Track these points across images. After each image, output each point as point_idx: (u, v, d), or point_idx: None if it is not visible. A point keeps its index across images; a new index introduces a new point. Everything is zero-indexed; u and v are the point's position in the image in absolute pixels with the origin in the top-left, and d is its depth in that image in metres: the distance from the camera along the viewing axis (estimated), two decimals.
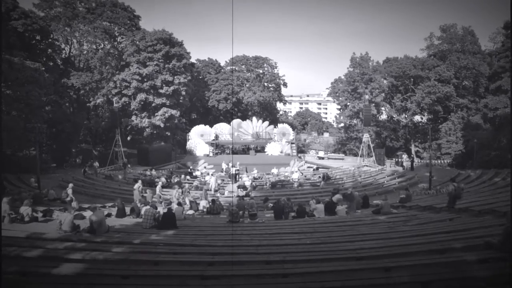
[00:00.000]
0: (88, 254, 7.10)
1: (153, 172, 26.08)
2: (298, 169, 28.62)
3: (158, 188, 17.26)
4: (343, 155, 43.33)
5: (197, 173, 27.33)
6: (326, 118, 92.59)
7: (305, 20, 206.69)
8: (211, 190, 20.77)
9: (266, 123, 41.00)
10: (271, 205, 13.32)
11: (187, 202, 14.79)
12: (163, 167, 31.32)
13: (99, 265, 6.37)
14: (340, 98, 47.22)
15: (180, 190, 17.01)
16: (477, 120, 34.41)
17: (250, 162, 30.39)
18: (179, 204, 13.45)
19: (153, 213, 10.27)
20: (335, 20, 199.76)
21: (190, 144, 38.24)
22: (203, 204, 15.13)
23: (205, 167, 30.66)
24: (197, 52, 64.11)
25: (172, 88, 37.77)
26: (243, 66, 57.44)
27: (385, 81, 43.08)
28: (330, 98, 63.66)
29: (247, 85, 55.77)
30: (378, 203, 13.19)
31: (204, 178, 24.59)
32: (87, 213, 10.78)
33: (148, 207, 10.92)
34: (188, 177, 25.98)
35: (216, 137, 38.76)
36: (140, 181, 17.46)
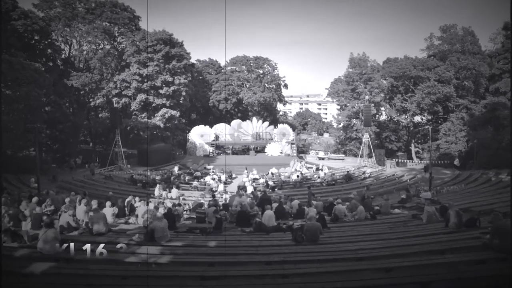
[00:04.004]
0: (88, 255, 7.09)
1: (148, 172, 26.09)
2: (298, 169, 28.61)
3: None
4: (343, 155, 43.33)
5: (198, 173, 27.31)
6: (326, 118, 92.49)
7: (304, 21, 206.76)
8: (216, 191, 20.76)
9: (266, 123, 41.02)
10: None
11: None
12: (163, 168, 31.31)
13: (99, 265, 6.37)
14: (340, 98, 47.22)
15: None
16: (477, 120, 34.36)
17: (250, 163, 30.38)
18: (179, 205, 13.46)
19: (155, 213, 10.27)
20: (335, 21, 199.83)
21: (190, 145, 38.29)
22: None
23: (205, 168, 30.66)
24: (197, 53, 64.17)
25: (172, 88, 37.75)
26: (244, 67, 57.42)
27: (384, 82, 43.06)
28: (330, 99, 63.64)
29: (247, 86, 55.77)
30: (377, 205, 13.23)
31: (204, 179, 24.57)
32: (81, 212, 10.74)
33: (149, 206, 10.93)
34: (188, 177, 25.96)
35: (216, 137, 38.78)
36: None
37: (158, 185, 19.83)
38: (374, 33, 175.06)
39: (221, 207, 12.79)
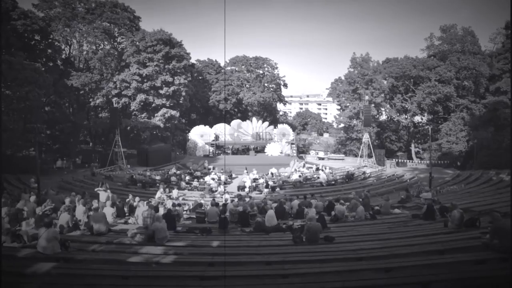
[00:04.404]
0: (88, 254, 7.10)
1: (147, 172, 26.13)
2: (297, 169, 28.62)
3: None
4: (343, 155, 43.35)
5: (198, 173, 27.31)
6: (326, 118, 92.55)
7: (305, 22, 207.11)
8: (216, 191, 20.78)
9: (266, 123, 41.02)
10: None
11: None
12: (163, 168, 31.31)
13: (99, 265, 6.37)
14: (341, 99, 47.23)
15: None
16: (478, 120, 34.40)
17: (250, 163, 30.37)
18: (179, 205, 13.45)
19: (151, 214, 10.23)
20: (335, 21, 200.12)
21: (190, 145, 38.29)
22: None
23: (205, 167, 30.66)
24: (198, 53, 64.30)
25: (172, 88, 37.74)
26: (243, 67, 57.44)
27: (385, 82, 43.06)
28: (330, 99, 63.68)
29: (247, 86, 55.79)
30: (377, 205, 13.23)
31: (204, 179, 24.57)
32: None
33: (146, 207, 10.92)
34: (188, 177, 25.96)
35: (216, 137, 38.78)
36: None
37: (161, 188, 19.49)
38: (374, 33, 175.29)
39: (221, 207, 12.78)
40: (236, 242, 8.53)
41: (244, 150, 39.50)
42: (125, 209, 13.03)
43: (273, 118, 55.79)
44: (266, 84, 55.88)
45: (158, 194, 17.45)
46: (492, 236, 6.41)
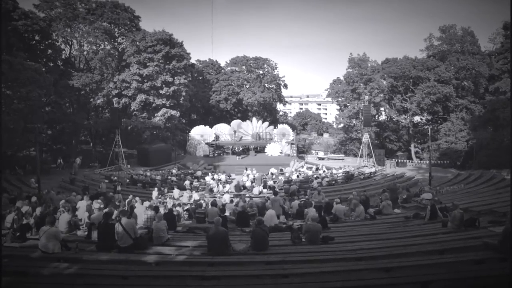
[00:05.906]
0: (89, 254, 7.11)
1: (148, 173, 26.23)
2: (297, 169, 28.62)
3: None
4: (343, 155, 43.35)
5: (198, 173, 27.33)
6: (326, 118, 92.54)
7: (305, 23, 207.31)
8: (214, 192, 20.81)
9: (266, 123, 41.01)
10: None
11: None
12: (163, 168, 31.33)
13: (99, 265, 6.39)
14: (340, 99, 47.24)
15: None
16: (477, 120, 34.39)
17: (250, 163, 30.40)
18: (179, 205, 13.47)
19: (151, 215, 10.22)
20: (336, 22, 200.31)
21: (190, 145, 38.30)
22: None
23: (205, 168, 30.68)
24: (198, 53, 64.30)
25: (172, 88, 37.77)
26: (243, 67, 57.46)
27: (384, 82, 43.05)
28: (330, 99, 63.66)
29: (247, 86, 55.80)
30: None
31: (204, 179, 24.59)
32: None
33: (143, 207, 10.90)
34: (189, 177, 25.97)
35: (216, 137, 38.78)
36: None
37: (155, 189, 19.63)
38: (375, 33, 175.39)
39: (221, 207, 12.80)
40: (237, 242, 8.52)
41: (244, 150, 39.49)
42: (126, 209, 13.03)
43: (273, 118, 55.78)
44: (266, 85, 55.90)
45: (155, 194, 17.68)
46: (504, 238, 6.18)
